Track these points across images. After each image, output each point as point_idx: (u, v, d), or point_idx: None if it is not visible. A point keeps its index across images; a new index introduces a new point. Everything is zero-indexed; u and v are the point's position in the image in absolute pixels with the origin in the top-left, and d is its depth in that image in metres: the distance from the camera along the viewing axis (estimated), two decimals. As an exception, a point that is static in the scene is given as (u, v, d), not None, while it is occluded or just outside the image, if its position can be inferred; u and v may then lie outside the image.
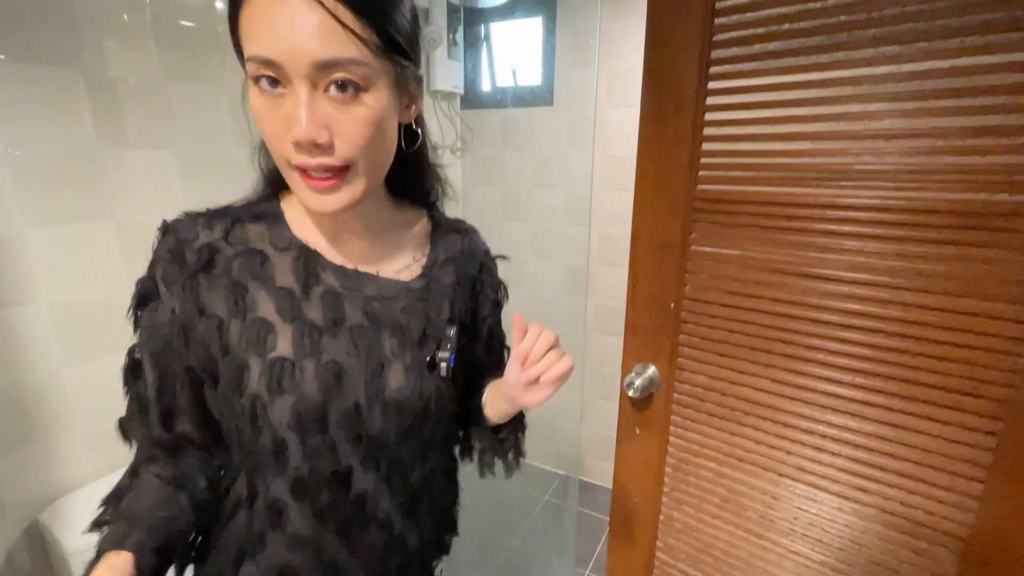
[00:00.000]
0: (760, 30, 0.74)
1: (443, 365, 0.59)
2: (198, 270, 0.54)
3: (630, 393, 0.92)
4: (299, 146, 0.46)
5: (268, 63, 0.44)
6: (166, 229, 0.56)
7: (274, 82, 0.46)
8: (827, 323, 0.75)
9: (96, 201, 1.06)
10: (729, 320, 0.84)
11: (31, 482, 1.03)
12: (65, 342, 1.05)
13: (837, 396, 0.76)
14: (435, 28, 1.67)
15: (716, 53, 0.78)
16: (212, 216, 0.57)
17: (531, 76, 1.98)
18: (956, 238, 0.65)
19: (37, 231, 0.98)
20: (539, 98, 1.96)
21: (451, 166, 2.15)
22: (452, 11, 1.89)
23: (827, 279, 0.74)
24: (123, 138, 1.09)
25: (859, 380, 0.74)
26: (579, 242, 1.99)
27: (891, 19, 0.65)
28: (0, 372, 0.96)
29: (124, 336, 1.11)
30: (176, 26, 1.15)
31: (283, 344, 0.54)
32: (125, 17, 1.06)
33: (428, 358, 0.59)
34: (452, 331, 0.61)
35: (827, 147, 0.71)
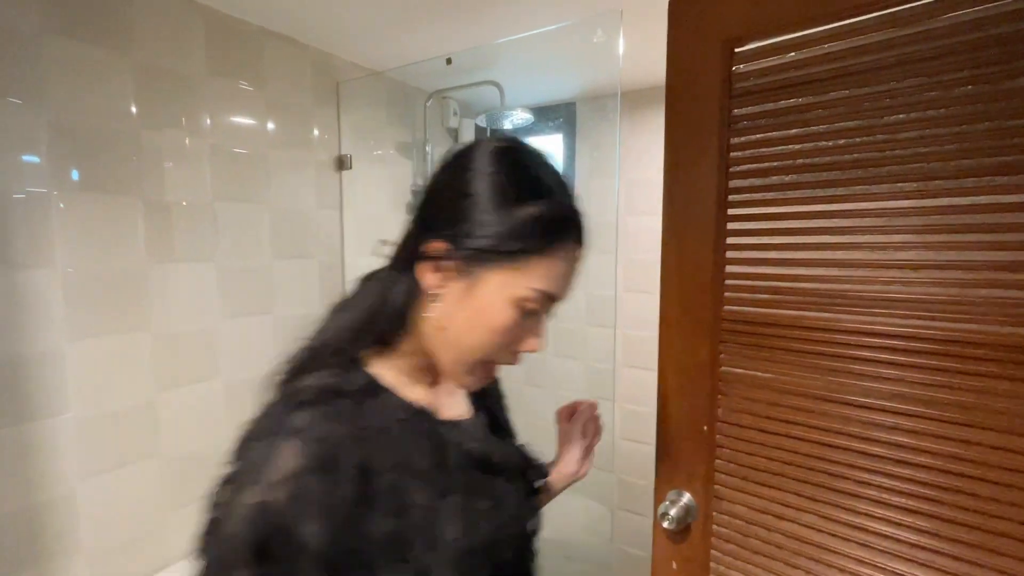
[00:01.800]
0: (775, 163, 0.77)
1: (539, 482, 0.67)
2: (357, 497, 0.47)
3: (665, 524, 0.86)
4: (520, 354, 0.56)
5: (552, 299, 0.54)
6: (294, 431, 0.46)
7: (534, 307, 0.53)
8: (875, 456, 0.71)
9: (136, 313, 1.10)
10: (767, 446, 0.80)
11: (28, 610, 0.97)
12: (85, 455, 1.04)
13: (897, 540, 0.70)
14: (463, 146, 1.81)
15: (734, 183, 0.81)
16: (327, 403, 0.50)
17: (552, 185, 2.09)
18: (1009, 373, 0.62)
19: (76, 345, 1.02)
20: (560, 205, 2.05)
21: (474, 268, 2.21)
22: (479, 132, 2.05)
23: (869, 408, 0.71)
24: (171, 254, 1.15)
25: (921, 523, 0.68)
26: (604, 343, 1.97)
27: (904, 159, 0.67)
28: (17, 491, 0.95)
29: (141, 447, 1.10)
30: (229, 152, 1.26)
31: (451, 527, 0.53)
32: (187, 141, 1.18)
33: (531, 481, 0.66)
34: (526, 448, 0.68)
35: (854, 275, 0.71)
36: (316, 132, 1.47)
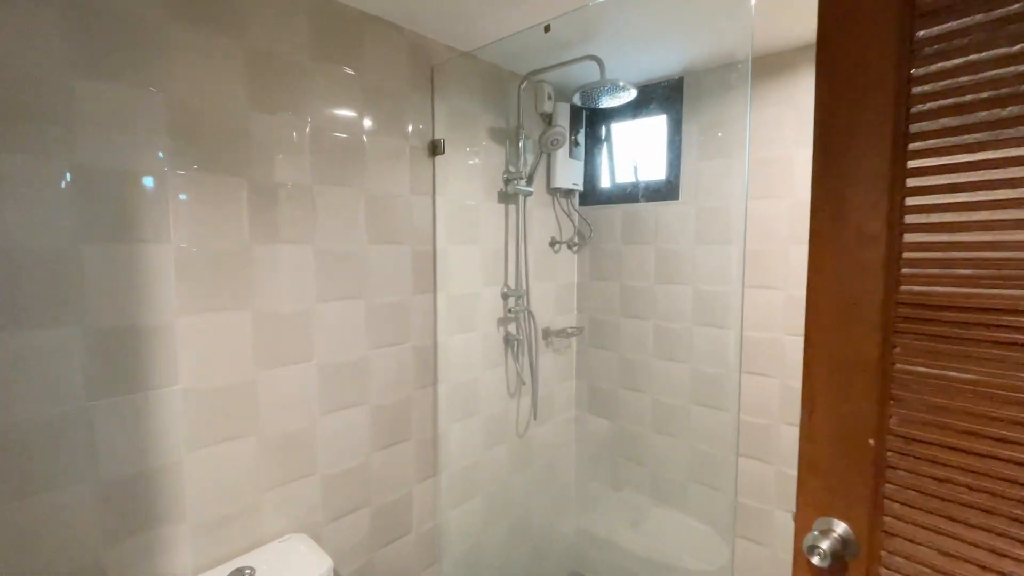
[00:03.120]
0: (982, 95, 0.58)
1: None
2: None
3: (815, 560, 0.68)
4: None
5: None
6: None
7: None
8: None
9: (239, 292, 1.13)
10: (969, 471, 0.60)
11: (139, 574, 1.01)
12: (192, 427, 1.08)
13: None
14: (558, 130, 1.71)
15: (917, 126, 0.63)
16: None
17: (654, 171, 1.92)
18: None
19: (186, 319, 1.05)
20: (663, 192, 1.88)
21: (569, 262, 2.10)
22: (575, 113, 1.94)
23: None
24: (273, 235, 1.17)
25: None
26: (714, 345, 1.76)
27: None
28: (131, 457, 1.00)
29: (242, 424, 1.10)
30: (329, 136, 1.26)
31: None
32: (292, 125, 1.19)
33: None
34: None
35: (1123, 236, 0.51)
36: (411, 117, 1.45)
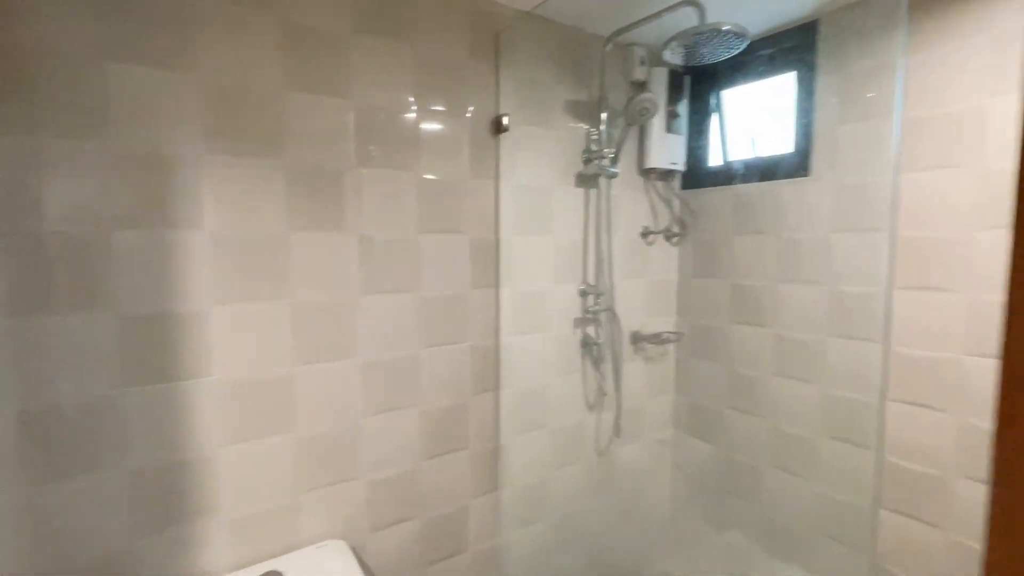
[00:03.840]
0: None
1: None
2: None
3: None
4: None
5: None
6: None
7: None
8: None
9: (277, 281, 1.07)
10: None
11: (169, 568, 1.00)
12: (227, 421, 1.04)
13: None
14: (646, 96, 1.43)
15: None
16: None
17: (777, 143, 1.54)
18: None
19: (222, 308, 1.02)
20: (788, 168, 1.50)
21: (665, 255, 1.80)
22: (674, 80, 1.64)
23: None
24: (313, 222, 1.10)
25: None
26: (855, 363, 1.36)
27: None
28: (165, 447, 0.98)
29: (279, 420, 1.02)
30: (374, 114, 1.16)
31: None
32: (335, 115, 1.11)
33: None
34: None
35: None
36: (471, 91, 1.30)
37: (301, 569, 1.06)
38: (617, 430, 1.68)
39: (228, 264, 1.02)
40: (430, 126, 1.24)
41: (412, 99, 1.21)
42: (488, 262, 1.37)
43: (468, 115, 1.30)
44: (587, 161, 1.53)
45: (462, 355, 1.35)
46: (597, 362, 1.63)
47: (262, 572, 1.04)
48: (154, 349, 0.96)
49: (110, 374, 0.92)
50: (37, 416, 0.87)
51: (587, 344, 1.60)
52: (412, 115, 1.22)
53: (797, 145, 1.48)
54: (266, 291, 1.07)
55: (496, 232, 1.38)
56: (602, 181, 1.55)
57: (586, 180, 1.55)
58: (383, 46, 1.17)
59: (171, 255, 0.97)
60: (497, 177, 1.37)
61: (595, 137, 1.52)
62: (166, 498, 0.99)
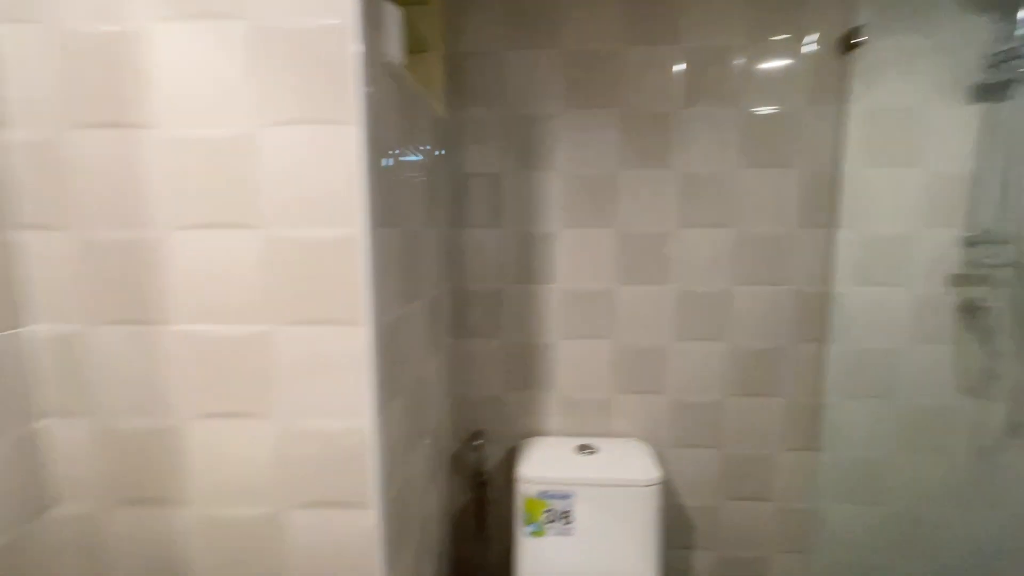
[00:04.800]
0: None
1: None
2: None
3: None
4: None
5: None
6: None
7: None
8: None
9: (605, 212, 1.29)
10: None
11: (523, 413, 1.37)
12: (565, 320, 1.33)
13: None
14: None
15: None
16: None
17: None
18: None
19: (567, 231, 1.30)
20: None
21: None
22: None
23: None
24: (638, 159, 1.26)
25: None
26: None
27: None
28: (531, 333, 1.34)
29: (602, 327, 1.22)
30: (705, 52, 1.22)
31: None
32: (666, 57, 1.24)
33: None
34: None
35: None
36: (814, 11, 1.19)
37: (609, 449, 1.27)
38: (1013, 428, 1.25)
39: (571, 197, 1.29)
40: (761, 52, 1.21)
41: (740, 24, 1.21)
42: (822, 199, 1.24)
43: (809, 39, 1.20)
44: (992, 66, 1.16)
45: (782, 298, 1.28)
46: (987, 334, 1.24)
47: (579, 443, 1.31)
48: (519, 260, 1.32)
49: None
50: (459, 293, 1.35)
51: (970, 309, 1.24)
52: (741, 50, 1.22)
53: None
54: (597, 220, 1.30)
55: (837, 165, 1.23)
56: (1016, 91, 1.15)
57: (987, 92, 1.18)
58: (716, -14, 1.21)
59: (537, 191, 1.30)
60: (843, 103, 1.21)
61: (1005, 34, 1.14)
62: (527, 369, 1.36)
